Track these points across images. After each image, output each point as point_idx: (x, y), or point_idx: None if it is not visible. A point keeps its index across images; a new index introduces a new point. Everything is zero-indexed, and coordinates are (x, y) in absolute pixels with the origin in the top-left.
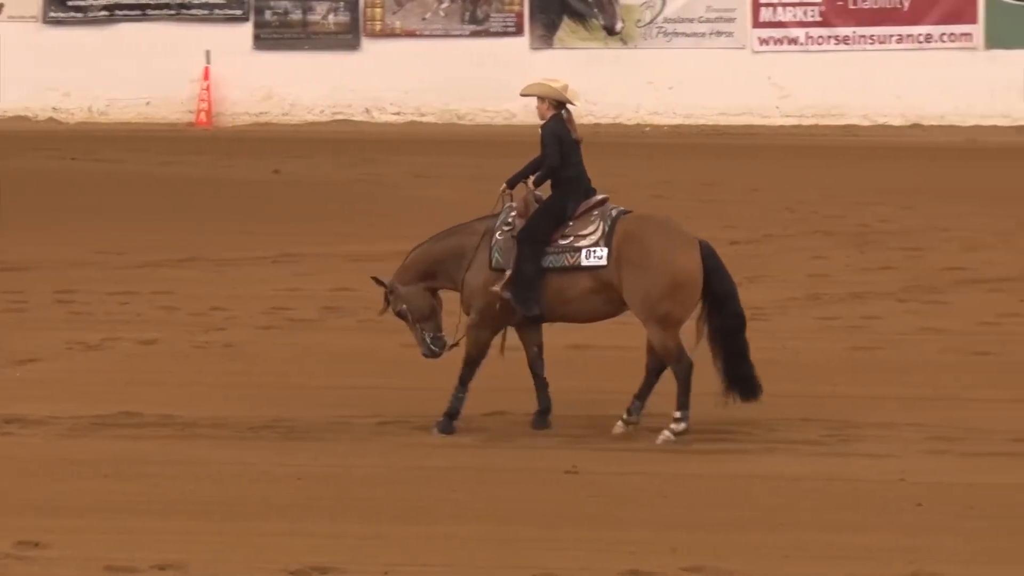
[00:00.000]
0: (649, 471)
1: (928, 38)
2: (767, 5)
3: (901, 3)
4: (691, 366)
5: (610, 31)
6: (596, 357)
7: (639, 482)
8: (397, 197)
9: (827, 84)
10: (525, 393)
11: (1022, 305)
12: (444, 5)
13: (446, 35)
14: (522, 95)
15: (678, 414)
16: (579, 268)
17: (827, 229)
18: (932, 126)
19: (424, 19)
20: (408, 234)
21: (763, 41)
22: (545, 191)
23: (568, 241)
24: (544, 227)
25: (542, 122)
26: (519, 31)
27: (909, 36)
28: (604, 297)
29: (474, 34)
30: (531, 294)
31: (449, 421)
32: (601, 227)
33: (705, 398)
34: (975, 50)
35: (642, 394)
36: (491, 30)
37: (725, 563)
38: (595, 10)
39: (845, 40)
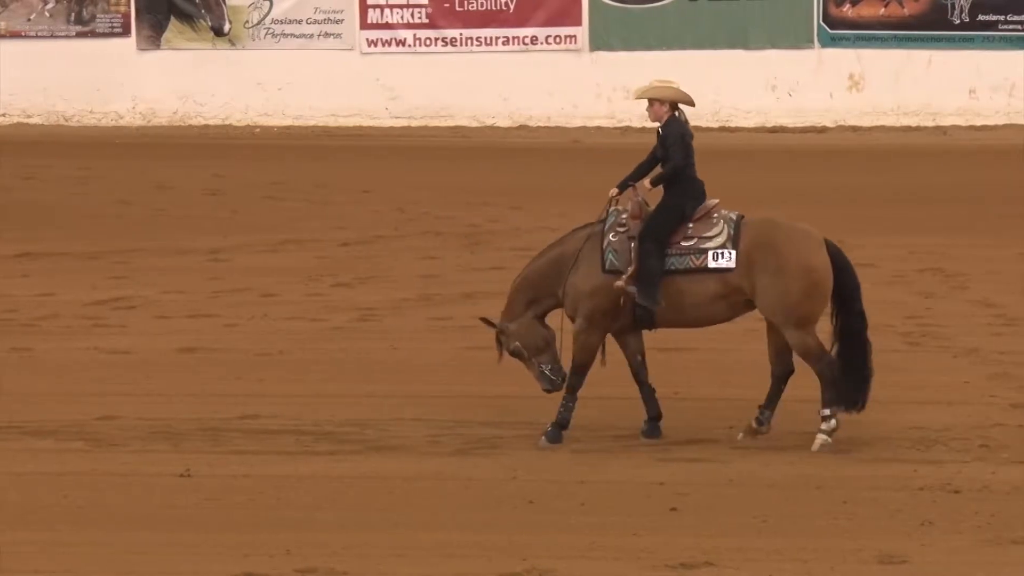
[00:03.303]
0: (262, 473)
1: (534, 40)
2: (375, 7)
3: (507, 5)
4: (834, 363)
5: (218, 32)
6: (208, 359)
7: (252, 485)
8: (6, 200)
9: (435, 85)
10: (134, 397)
11: None
12: (49, 6)
13: (52, 36)
14: (639, 97)
15: (827, 412)
16: (705, 270)
17: (438, 230)
18: (539, 127)
19: (29, 20)
20: (19, 236)
21: (371, 43)
22: (651, 197)
23: (692, 243)
24: (665, 225)
25: (657, 124)
26: (126, 32)
27: (515, 38)
28: (727, 301)
29: (80, 35)
30: (654, 288)
31: (558, 431)
32: (726, 229)
33: (319, 400)
34: (580, 52)
35: (770, 402)
36: (97, 31)
37: (339, 564)
38: (202, 11)
39: (452, 42)
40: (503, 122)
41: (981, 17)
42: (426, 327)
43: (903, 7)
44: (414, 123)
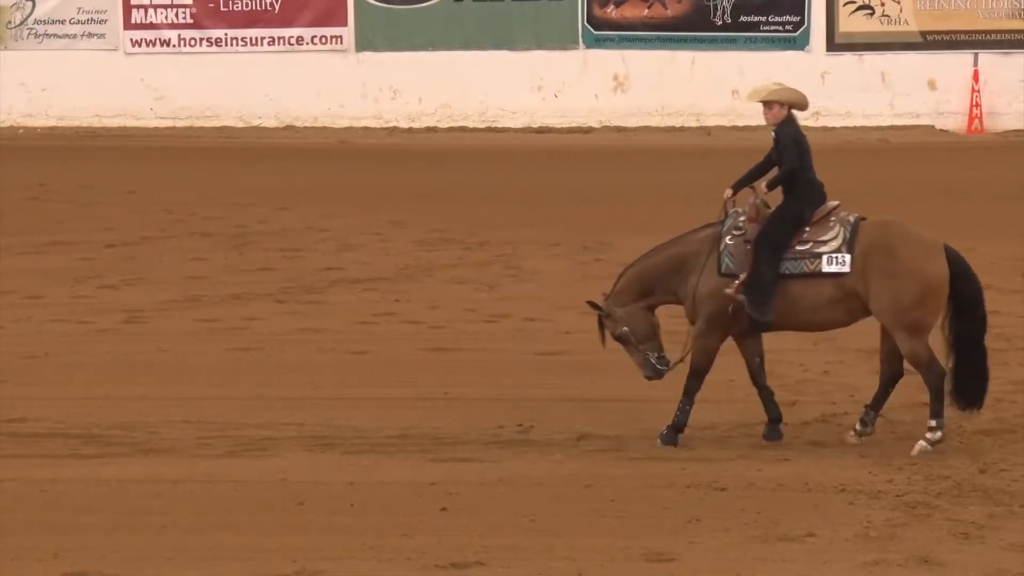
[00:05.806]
0: (29, 477)
1: (300, 40)
2: (139, 7)
3: (272, 6)
4: (943, 374)
5: None
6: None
7: (19, 488)
8: None
9: (201, 86)
10: None
11: (396, 304)
12: None
13: None
14: (755, 100)
15: (933, 423)
16: (819, 275)
17: (205, 231)
18: (306, 127)
19: None
20: None
21: (136, 43)
22: (771, 198)
23: (807, 247)
24: (783, 232)
25: (772, 125)
26: None
27: (281, 38)
28: (844, 306)
29: None
30: (766, 299)
31: (675, 433)
32: (842, 233)
33: (86, 402)
34: (346, 52)
35: (876, 404)
36: None
37: (108, 567)
38: None
39: (217, 42)
40: (269, 122)
41: (743, 18)
42: (193, 329)
43: (666, 8)
44: (180, 123)
